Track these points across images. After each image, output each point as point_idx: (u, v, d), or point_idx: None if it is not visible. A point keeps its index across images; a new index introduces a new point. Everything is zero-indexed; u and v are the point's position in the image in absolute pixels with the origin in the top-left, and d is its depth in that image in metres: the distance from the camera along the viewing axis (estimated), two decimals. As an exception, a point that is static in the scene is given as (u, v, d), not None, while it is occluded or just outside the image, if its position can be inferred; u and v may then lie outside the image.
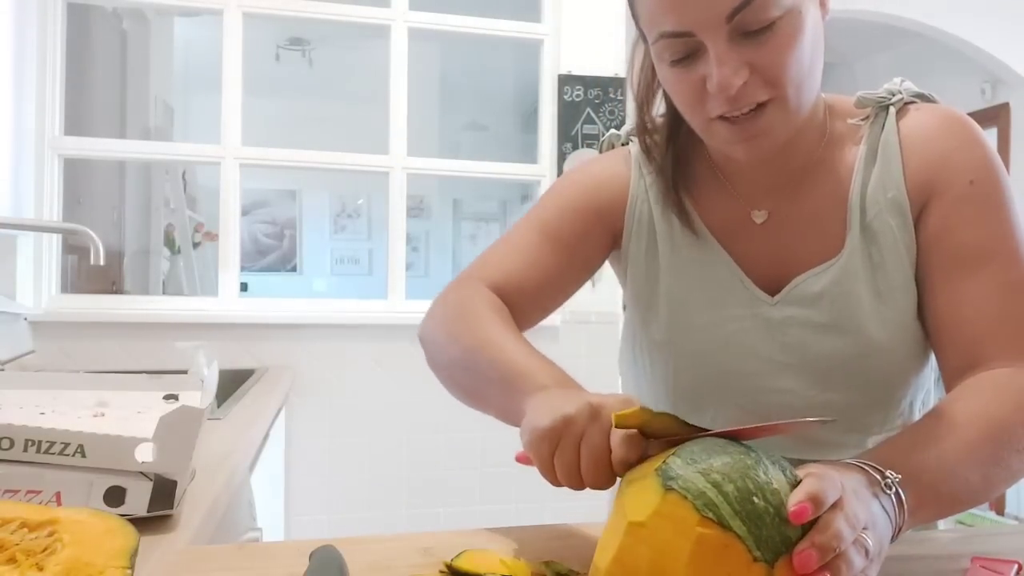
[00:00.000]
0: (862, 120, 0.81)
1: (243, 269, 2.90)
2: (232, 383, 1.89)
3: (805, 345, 0.79)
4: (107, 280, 3.31)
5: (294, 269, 6.59)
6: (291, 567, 0.63)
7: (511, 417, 0.68)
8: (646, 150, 0.87)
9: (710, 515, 0.47)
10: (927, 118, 0.78)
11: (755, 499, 0.48)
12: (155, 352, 2.43)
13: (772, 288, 0.81)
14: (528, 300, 0.85)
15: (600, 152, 0.96)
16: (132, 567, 0.55)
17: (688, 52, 0.70)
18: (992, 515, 3.95)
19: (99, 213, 3.30)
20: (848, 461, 0.60)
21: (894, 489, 0.57)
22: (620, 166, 0.90)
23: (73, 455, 0.68)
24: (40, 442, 0.68)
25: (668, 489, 0.49)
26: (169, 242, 4.21)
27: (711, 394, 0.84)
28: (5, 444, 0.68)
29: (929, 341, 0.78)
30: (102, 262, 1.66)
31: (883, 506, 0.56)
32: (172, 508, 0.71)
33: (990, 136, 4.39)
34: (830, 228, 0.79)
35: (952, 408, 0.67)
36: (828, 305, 0.78)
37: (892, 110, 0.80)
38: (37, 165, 2.42)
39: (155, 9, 3.67)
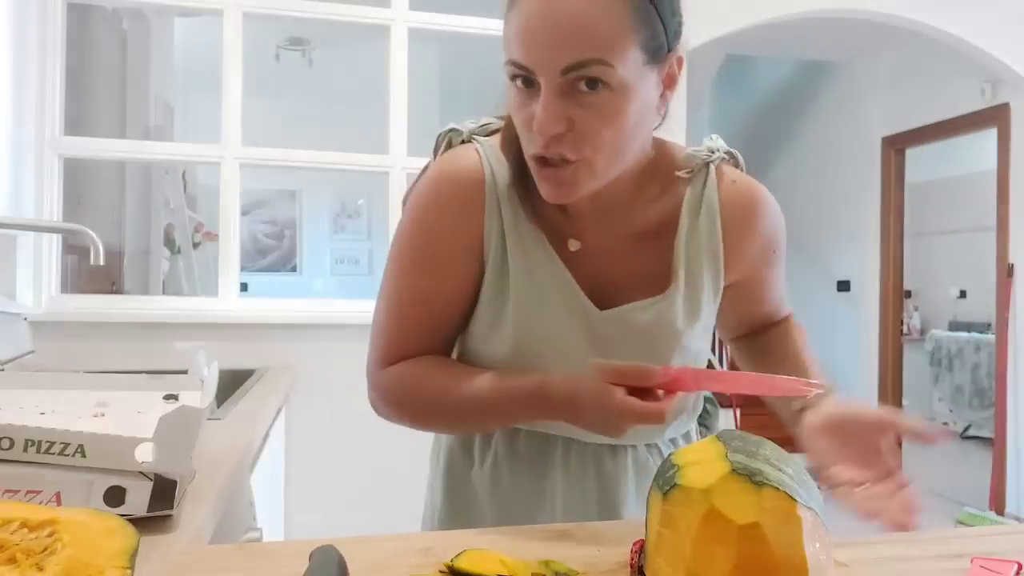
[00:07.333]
0: (687, 173, 0.90)
1: (243, 269, 2.90)
2: (232, 383, 1.89)
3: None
4: (107, 280, 3.31)
5: (294, 269, 6.59)
6: (291, 567, 0.63)
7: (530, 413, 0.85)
8: (508, 158, 0.89)
9: (799, 499, 0.53)
10: (743, 193, 0.92)
11: (804, 476, 0.56)
12: (155, 352, 2.43)
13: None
14: (435, 350, 0.91)
15: (435, 152, 0.95)
16: (132, 567, 0.55)
17: (529, 84, 0.76)
18: (992, 515, 3.95)
19: (99, 213, 3.30)
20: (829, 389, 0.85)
21: None
22: (473, 187, 0.88)
23: (73, 455, 0.68)
24: (40, 442, 0.68)
25: (759, 484, 0.53)
26: (169, 242, 4.21)
27: None
28: (5, 444, 0.68)
29: (737, 321, 1.05)
30: (102, 262, 1.66)
31: None
32: (172, 508, 0.71)
33: (990, 136, 4.38)
34: (656, 267, 0.89)
35: (791, 344, 1.00)
36: (651, 337, 0.89)
37: (712, 168, 0.91)
38: (37, 165, 2.42)
39: (155, 9, 3.67)
